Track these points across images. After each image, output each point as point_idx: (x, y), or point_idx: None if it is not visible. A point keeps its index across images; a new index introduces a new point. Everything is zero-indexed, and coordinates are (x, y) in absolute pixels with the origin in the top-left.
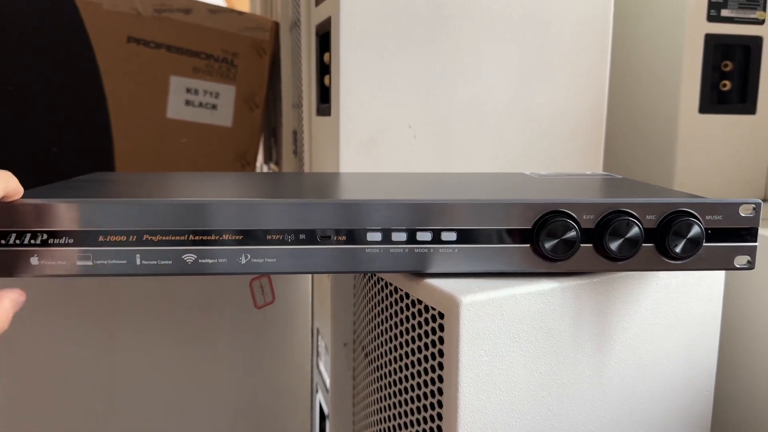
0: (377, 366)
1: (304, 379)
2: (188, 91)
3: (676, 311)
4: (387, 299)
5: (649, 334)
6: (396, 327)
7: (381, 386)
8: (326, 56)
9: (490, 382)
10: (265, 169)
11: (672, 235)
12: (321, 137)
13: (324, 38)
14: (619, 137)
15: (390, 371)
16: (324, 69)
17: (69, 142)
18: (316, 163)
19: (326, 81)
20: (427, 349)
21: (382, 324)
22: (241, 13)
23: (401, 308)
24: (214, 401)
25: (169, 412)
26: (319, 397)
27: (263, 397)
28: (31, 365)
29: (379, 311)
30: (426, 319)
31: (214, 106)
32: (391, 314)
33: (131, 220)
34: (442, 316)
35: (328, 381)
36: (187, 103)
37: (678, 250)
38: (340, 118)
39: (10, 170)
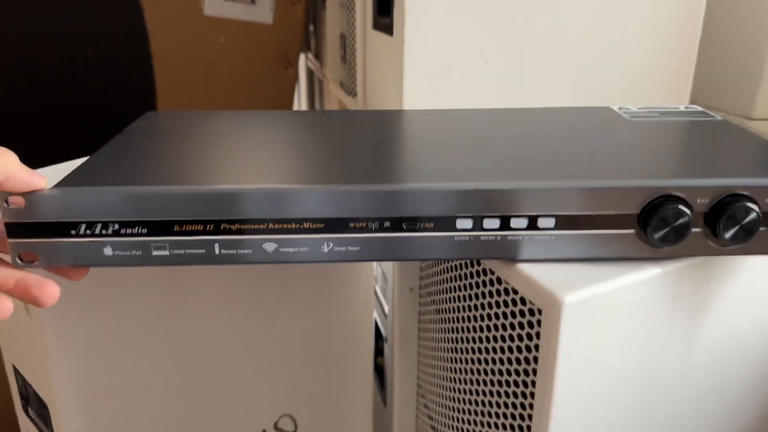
0: (454, 338)
1: (367, 317)
2: None
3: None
4: (472, 278)
5: (742, 310)
6: (482, 309)
7: (456, 358)
8: None
9: (584, 375)
10: (304, 61)
11: None
12: (379, 58)
13: None
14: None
15: (470, 348)
16: None
17: (104, 45)
18: (371, 84)
19: None
20: (520, 340)
21: (465, 300)
22: None
23: (490, 292)
24: (284, 341)
25: (241, 352)
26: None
27: (328, 334)
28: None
29: (461, 285)
30: (521, 311)
31: (253, 1)
32: (477, 294)
33: (207, 209)
34: (540, 311)
35: (386, 307)
36: None
37: None
38: (405, 45)
39: (45, 74)
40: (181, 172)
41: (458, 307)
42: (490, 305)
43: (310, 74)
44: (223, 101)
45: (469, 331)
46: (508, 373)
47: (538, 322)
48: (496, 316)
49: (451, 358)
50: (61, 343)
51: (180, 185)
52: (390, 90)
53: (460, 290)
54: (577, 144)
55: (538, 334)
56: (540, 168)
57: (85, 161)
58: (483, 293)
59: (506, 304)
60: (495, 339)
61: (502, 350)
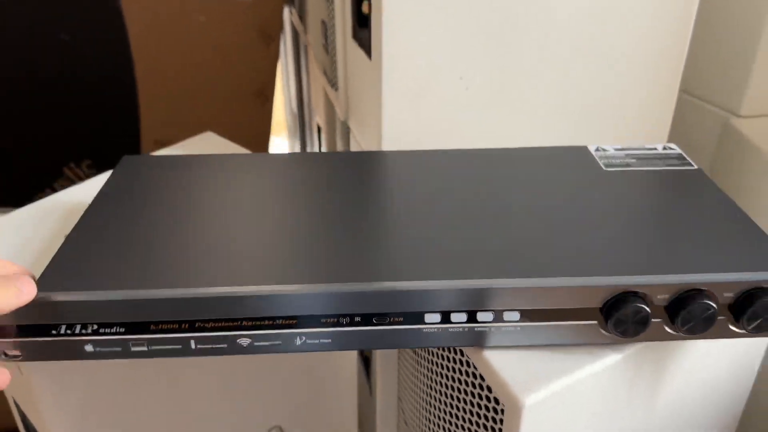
0: (426, 380)
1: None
2: None
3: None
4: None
5: (694, 380)
6: (452, 380)
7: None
8: None
9: None
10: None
11: (748, 315)
12: (358, 70)
13: None
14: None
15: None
16: None
17: (78, 29)
18: (351, 91)
19: (364, 8)
20: (486, 419)
21: (437, 366)
22: None
23: (460, 370)
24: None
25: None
26: None
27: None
28: None
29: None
30: (487, 396)
31: None
32: (447, 366)
33: (181, 311)
34: (503, 406)
35: None
36: None
37: (752, 327)
38: (383, 68)
39: (15, 62)
40: (156, 267)
41: (430, 368)
42: (459, 381)
43: (295, 35)
44: (205, 82)
45: (437, 394)
46: None
47: (502, 411)
48: (464, 392)
49: (425, 390)
50: (53, 401)
51: (154, 289)
52: (369, 110)
53: (433, 355)
54: (544, 222)
55: (501, 420)
56: (505, 260)
57: (63, 249)
58: (453, 367)
59: (474, 385)
60: (459, 409)
61: (464, 416)
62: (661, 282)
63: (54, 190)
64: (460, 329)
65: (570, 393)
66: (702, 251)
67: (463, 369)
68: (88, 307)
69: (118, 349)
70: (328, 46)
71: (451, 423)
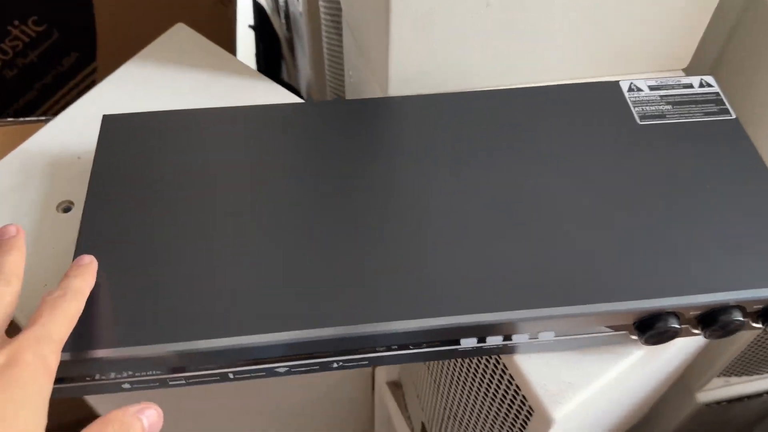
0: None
1: None
2: None
3: None
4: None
5: None
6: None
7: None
8: None
9: None
10: None
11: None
12: None
13: None
14: None
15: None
16: None
17: None
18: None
19: None
20: (514, 420)
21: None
22: None
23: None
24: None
25: None
26: None
27: None
28: None
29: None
30: (514, 396)
31: None
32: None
33: (220, 360)
34: (531, 409)
35: None
36: None
37: None
38: None
39: None
40: (188, 310)
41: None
42: (484, 375)
43: None
44: None
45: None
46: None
47: (530, 410)
48: (494, 389)
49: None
50: None
51: (191, 341)
52: (375, 33)
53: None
54: (570, 219)
55: (527, 418)
56: (538, 283)
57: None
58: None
59: (501, 381)
60: (486, 400)
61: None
62: (694, 303)
63: (3, 52)
64: (496, 346)
65: (598, 397)
66: (735, 259)
67: (490, 364)
68: (122, 365)
69: (156, 384)
70: None
71: (471, 414)
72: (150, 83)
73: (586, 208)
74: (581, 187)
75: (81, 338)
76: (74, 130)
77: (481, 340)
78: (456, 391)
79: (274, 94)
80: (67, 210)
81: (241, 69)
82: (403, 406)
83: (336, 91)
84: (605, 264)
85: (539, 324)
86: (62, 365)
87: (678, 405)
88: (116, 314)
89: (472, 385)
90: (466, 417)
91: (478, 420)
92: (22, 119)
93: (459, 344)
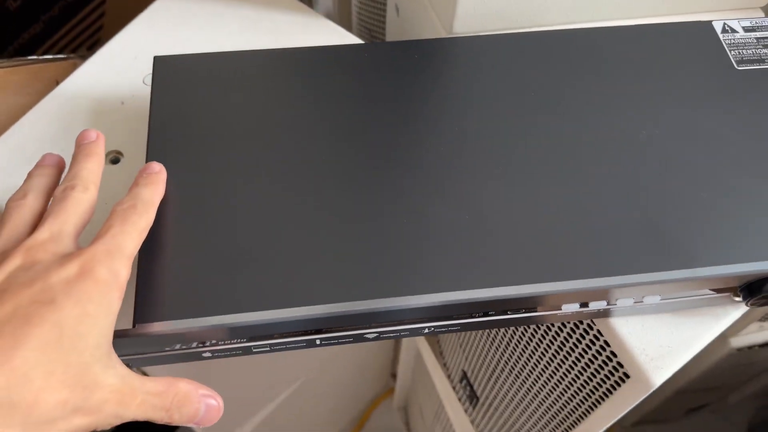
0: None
1: None
2: None
3: None
4: None
5: None
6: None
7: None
8: None
9: None
10: None
11: None
12: None
13: None
14: None
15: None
16: None
17: None
18: None
19: None
20: (598, 383)
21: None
22: None
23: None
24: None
25: None
26: None
27: None
28: None
29: None
30: (612, 365)
31: None
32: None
33: (308, 326)
34: (626, 375)
35: None
36: None
37: None
38: None
39: None
40: (272, 276)
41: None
42: (575, 340)
43: None
44: None
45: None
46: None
47: (625, 375)
48: (579, 353)
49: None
50: None
51: (276, 309)
52: None
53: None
54: (670, 170)
55: (621, 380)
56: (645, 248)
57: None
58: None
59: (595, 351)
60: (569, 370)
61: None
62: None
63: None
64: (597, 310)
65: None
66: None
67: (579, 329)
68: (207, 334)
69: (239, 352)
70: None
71: (541, 373)
72: (189, 19)
73: (688, 163)
74: (681, 139)
75: (173, 308)
76: (114, 70)
77: (584, 305)
78: (520, 350)
79: (326, 31)
80: (115, 161)
81: (289, 3)
82: (437, 353)
83: (367, 26)
84: (714, 224)
85: (648, 288)
86: (149, 336)
87: (709, 349)
88: (200, 282)
89: (549, 346)
90: (533, 375)
91: (549, 380)
92: (44, 57)
93: (560, 309)
